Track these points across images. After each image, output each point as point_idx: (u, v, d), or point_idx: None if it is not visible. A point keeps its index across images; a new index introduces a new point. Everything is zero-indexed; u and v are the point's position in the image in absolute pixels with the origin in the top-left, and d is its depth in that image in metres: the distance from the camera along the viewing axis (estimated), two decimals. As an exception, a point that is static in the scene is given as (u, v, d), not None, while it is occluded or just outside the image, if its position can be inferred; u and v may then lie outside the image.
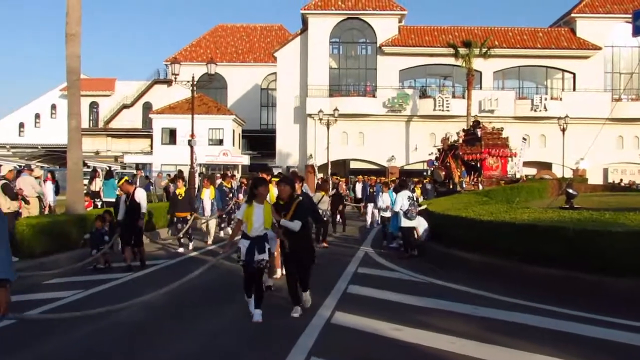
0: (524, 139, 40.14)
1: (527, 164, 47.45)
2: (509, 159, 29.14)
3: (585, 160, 46.39)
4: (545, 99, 48.23)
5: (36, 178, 16.14)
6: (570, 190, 20.69)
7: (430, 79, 51.01)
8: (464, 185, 23.83)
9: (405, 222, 14.30)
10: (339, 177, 29.86)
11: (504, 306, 8.43)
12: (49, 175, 20.45)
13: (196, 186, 22.86)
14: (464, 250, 12.29)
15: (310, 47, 48.55)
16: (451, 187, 25.44)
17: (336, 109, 44.01)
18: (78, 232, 13.24)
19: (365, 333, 7.10)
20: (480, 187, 25.36)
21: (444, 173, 27.00)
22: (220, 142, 51.38)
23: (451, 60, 45.83)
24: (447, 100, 47.45)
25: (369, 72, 49.33)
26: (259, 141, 58.07)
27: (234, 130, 53.25)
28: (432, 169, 30.15)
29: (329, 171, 40.04)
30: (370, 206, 23.89)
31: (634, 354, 6.20)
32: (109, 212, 13.36)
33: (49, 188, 18.42)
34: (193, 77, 26.51)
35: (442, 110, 47.07)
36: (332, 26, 48.64)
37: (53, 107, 69.32)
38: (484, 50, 44.69)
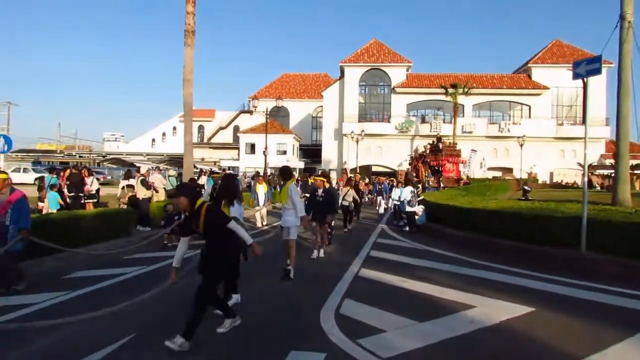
0: (474, 150, 39.81)
1: (494, 168, 46.59)
2: (461, 164, 29.44)
3: (537, 167, 45.41)
4: (509, 124, 47.30)
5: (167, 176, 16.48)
6: (526, 187, 20.18)
7: (428, 110, 50.25)
8: (430, 183, 23.32)
9: (408, 208, 14.24)
10: (358, 175, 28.73)
11: (477, 267, 8.30)
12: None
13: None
14: (450, 228, 12.13)
15: (345, 88, 48.47)
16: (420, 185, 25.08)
17: (363, 131, 43.83)
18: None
19: (381, 283, 7.09)
20: (442, 185, 25.03)
21: (415, 174, 26.74)
22: (284, 152, 51.60)
23: (443, 97, 45.32)
24: (439, 125, 46.75)
25: (385, 105, 48.97)
26: (311, 152, 58.05)
27: (293, 145, 53.41)
28: (407, 171, 29.62)
29: (348, 171, 39.75)
30: (379, 198, 23.23)
31: (566, 301, 6.04)
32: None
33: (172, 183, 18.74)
34: (267, 109, 26.81)
35: (436, 132, 46.31)
36: (360, 74, 48.41)
37: (174, 128, 70.62)
38: (465, 90, 44.09)
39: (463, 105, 47.11)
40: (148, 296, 4.92)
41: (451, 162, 27.37)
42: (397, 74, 48.41)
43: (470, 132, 46.47)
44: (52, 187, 12.22)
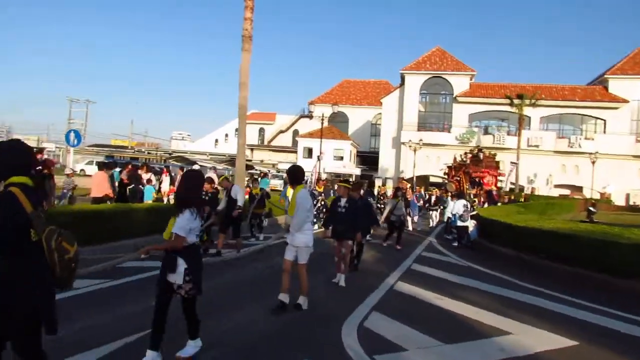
0: (514, 163, 37.49)
1: (562, 186, 44.02)
2: (499, 177, 27.66)
3: (611, 186, 42.27)
4: (580, 139, 44.54)
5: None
6: (591, 208, 18.86)
7: (491, 121, 48.45)
8: (471, 196, 21.53)
9: (459, 223, 13.66)
10: (406, 183, 26.72)
11: (523, 290, 7.76)
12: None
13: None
14: (501, 246, 11.52)
15: (405, 96, 47.81)
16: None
17: (421, 140, 42.90)
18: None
19: (415, 298, 6.81)
20: (482, 199, 23.45)
21: (455, 185, 25.19)
22: (341, 158, 51.64)
23: (507, 108, 43.41)
24: (503, 137, 44.99)
25: (446, 115, 47.81)
26: (368, 159, 57.65)
27: (350, 151, 53.32)
28: (446, 181, 27.98)
29: (405, 180, 38.90)
30: (432, 211, 21.57)
31: (618, 337, 5.49)
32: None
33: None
34: (322, 114, 26.90)
35: (499, 144, 44.61)
36: (421, 82, 47.60)
37: (236, 130, 72.39)
38: (532, 101, 41.96)
39: (529, 117, 44.94)
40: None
41: (491, 174, 25.92)
42: (459, 83, 47.11)
43: (537, 146, 44.27)
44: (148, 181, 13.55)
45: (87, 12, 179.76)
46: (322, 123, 27.68)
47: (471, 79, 48.06)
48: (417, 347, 4.68)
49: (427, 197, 23.00)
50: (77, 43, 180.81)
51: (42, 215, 2.58)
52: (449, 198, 17.56)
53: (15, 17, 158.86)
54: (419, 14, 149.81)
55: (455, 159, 28.08)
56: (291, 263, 5.78)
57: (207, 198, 9.39)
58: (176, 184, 14.22)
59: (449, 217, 16.09)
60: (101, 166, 12.76)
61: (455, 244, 13.82)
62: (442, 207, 21.26)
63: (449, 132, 46.69)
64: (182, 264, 3.72)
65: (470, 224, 13.86)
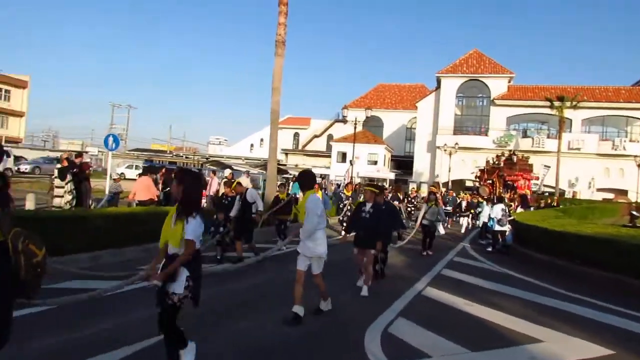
0: (547, 166, 35.90)
1: (605, 190, 42.21)
2: (532, 181, 26.45)
3: (661, 189, 40.34)
4: (625, 141, 42.57)
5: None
6: (634, 212, 17.97)
7: (530, 124, 46.96)
8: (506, 200, 20.14)
9: (498, 227, 13.31)
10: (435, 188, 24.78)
11: (558, 297, 7.48)
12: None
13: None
14: (537, 252, 11.15)
15: (441, 100, 47.09)
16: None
17: (456, 143, 42.24)
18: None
19: (444, 304, 6.66)
20: (516, 203, 22.40)
21: (488, 189, 24.23)
22: (375, 162, 51.28)
23: (547, 110, 42.02)
24: (542, 140, 43.55)
25: (483, 118, 46.71)
26: (403, 163, 56.94)
27: (385, 155, 52.88)
28: (478, 185, 26.56)
29: (440, 185, 38.16)
30: (462, 217, 20.79)
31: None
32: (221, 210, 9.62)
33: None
34: (355, 119, 26.84)
35: (538, 147, 43.27)
36: (458, 85, 46.76)
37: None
38: (574, 103, 40.48)
39: (570, 120, 43.34)
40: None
41: (525, 177, 24.94)
42: (497, 86, 45.99)
43: (579, 149, 42.62)
44: None
45: (133, 20, 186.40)
46: (355, 127, 27.62)
47: (509, 82, 46.83)
48: (441, 354, 4.57)
49: (458, 202, 22.06)
50: (119, 49, 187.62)
51: (8, 215, 2.51)
52: (484, 202, 17.12)
53: (61, 21, 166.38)
54: (456, 17, 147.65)
55: (487, 162, 27.21)
56: (304, 273, 5.40)
57: (226, 202, 9.08)
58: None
59: (484, 222, 15.70)
60: (146, 171, 13.11)
61: (490, 249, 13.46)
62: (474, 213, 20.70)
63: (486, 135, 45.61)
64: (184, 272, 3.38)
65: (506, 229, 13.50)
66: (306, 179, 5.55)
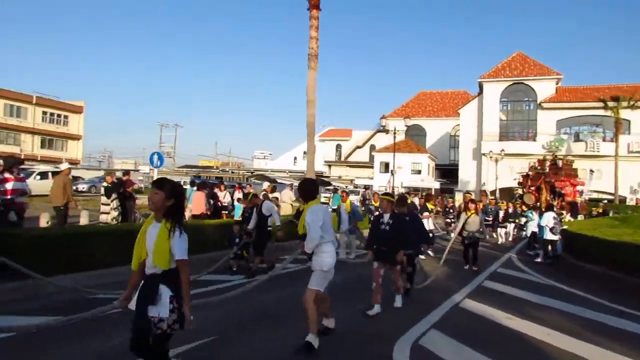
0: (592, 171, 33.65)
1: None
2: (578, 187, 24.44)
3: None
4: (691, 142, 39.83)
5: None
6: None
7: (582, 127, 44.83)
8: (555, 208, 18.34)
9: (549, 236, 12.72)
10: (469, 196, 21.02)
11: (610, 312, 7.02)
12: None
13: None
14: (588, 263, 10.54)
15: (484, 105, 45.97)
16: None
17: (502, 150, 41.01)
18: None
19: (481, 317, 6.44)
20: (565, 211, 20.61)
21: (534, 197, 22.86)
22: (419, 172, 50.62)
23: (601, 112, 40.08)
24: (597, 144, 41.48)
25: (530, 122, 45.14)
26: (447, 172, 55.94)
27: (428, 164, 52.13)
28: (522, 192, 24.62)
29: (488, 193, 36.91)
30: (500, 228, 18.73)
31: None
32: (240, 222, 9.79)
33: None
34: (395, 128, 26.67)
35: (593, 151, 41.24)
36: (501, 89, 45.53)
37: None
38: (631, 102, 38.32)
39: (629, 121, 41.04)
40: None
41: (572, 183, 23.40)
42: (544, 88, 44.39)
43: (639, 152, 40.26)
44: (238, 200, 14.15)
45: (180, 42, 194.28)
46: (395, 137, 27.45)
47: (557, 83, 45.13)
48: (473, 368, 4.42)
49: (495, 210, 19.45)
50: (166, 71, 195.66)
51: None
52: (530, 211, 16.48)
53: (107, 44, 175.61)
54: (498, 20, 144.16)
55: (531, 167, 25.93)
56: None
57: (246, 215, 8.96)
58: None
59: (533, 231, 15.07)
60: (200, 186, 13.74)
61: (539, 259, 12.92)
62: (517, 222, 19.76)
63: (534, 140, 43.98)
64: (166, 292, 2.99)
65: (557, 238, 12.90)
66: (306, 189, 5.00)
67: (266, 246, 8.90)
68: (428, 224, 12.56)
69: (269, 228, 8.89)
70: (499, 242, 17.84)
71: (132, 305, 3.09)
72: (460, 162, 49.49)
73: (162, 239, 3.01)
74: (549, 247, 12.68)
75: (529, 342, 5.40)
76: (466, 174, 48.09)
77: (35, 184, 25.05)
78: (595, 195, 40.91)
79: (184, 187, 12.66)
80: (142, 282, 3.11)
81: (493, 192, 38.91)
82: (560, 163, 23.96)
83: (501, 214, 19.03)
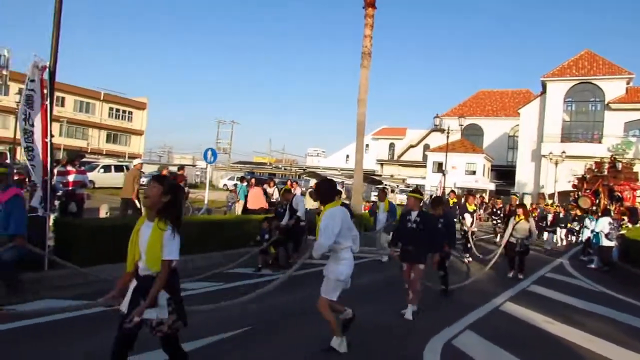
0: None
1: None
2: (638, 191, 22.36)
3: None
4: None
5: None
6: None
7: (655, 129, 41.88)
8: (612, 213, 15.99)
9: (605, 242, 12.15)
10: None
11: (661, 321, 6.72)
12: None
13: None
14: (645, 271, 10.05)
15: (547, 105, 43.96)
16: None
17: (563, 152, 39.15)
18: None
19: (520, 320, 6.38)
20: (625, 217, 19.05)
21: (590, 201, 21.31)
22: (474, 172, 49.28)
23: (676, 113, 37.36)
24: (669, 147, 38.72)
25: (596, 124, 42.73)
26: (504, 173, 54.01)
27: (484, 165, 50.61)
28: (576, 196, 22.92)
29: (547, 196, 35.24)
30: (548, 232, 17.48)
31: None
32: (270, 218, 9.26)
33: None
34: (448, 127, 26.12)
35: (664, 155, 38.58)
36: (566, 89, 43.33)
37: (367, 145, 73.72)
38: None
39: None
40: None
41: (632, 187, 21.61)
42: (613, 88, 41.85)
43: None
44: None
45: (230, 42, 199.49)
46: (448, 136, 26.96)
47: (628, 83, 42.39)
48: (502, 369, 4.42)
49: (544, 214, 18.28)
50: (225, 68, 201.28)
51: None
52: (587, 215, 15.72)
53: (168, 45, 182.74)
54: (566, 16, 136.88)
55: (588, 169, 24.39)
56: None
57: (281, 210, 8.98)
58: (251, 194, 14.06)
59: (588, 237, 14.41)
60: (258, 182, 14.32)
61: (593, 265, 12.39)
62: (570, 227, 18.86)
63: (600, 142, 41.60)
64: (163, 294, 2.92)
65: (613, 244, 12.30)
66: (324, 190, 4.58)
67: (300, 241, 9.02)
68: (469, 225, 12.04)
69: (301, 223, 8.99)
70: (547, 248, 16.46)
71: (124, 306, 2.97)
72: (518, 163, 47.69)
73: (154, 241, 2.91)
74: (607, 254, 12.11)
75: (567, 347, 5.31)
76: (524, 175, 46.32)
77: (98, 177, 26.83)
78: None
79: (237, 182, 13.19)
80: (136, 283, 3.01)
81: (552, 196, 37.31)
82: (619, 166, 22.51)
83: (550, 217, 17.93)
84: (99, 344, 3.95)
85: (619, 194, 21.19)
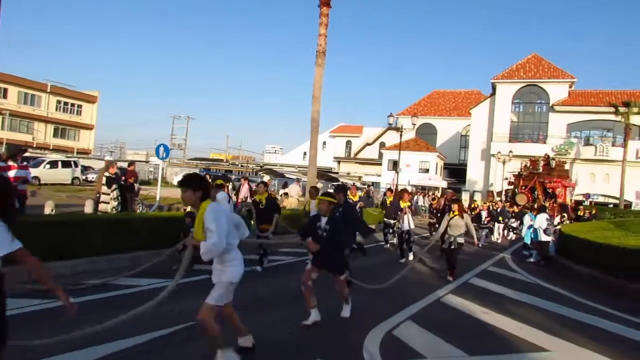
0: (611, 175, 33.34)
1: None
2: (568, 189, 23.91)
3: None
4: (701, 149, 39.44)
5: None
6: None
7: (593, 131, 44.48)
8: (547, 209, 16.24)
9: (544, 237, 12.85)
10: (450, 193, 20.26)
11: (586, 309, 7.28)
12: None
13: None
14: (578, 264, 10.74)
15: (496, 106, 45.81)
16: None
17: (511, 151, 40.90)
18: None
19: (459, 311, 6.71)
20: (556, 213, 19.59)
21: (526, 197, 22.16)
22: (427, 170, 50.62)
23: (612, 117, 39.79)
24: (606, 148, 41.25)
25: (542, 125, 44.93)
26: (456, 171, 55.83)
27: (437, 163, 52.08)
28: (512, 192, 24.22)
29: (495, 194, 36.50)
30: (482, 229, 17.17)
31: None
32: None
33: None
34: (402, 126, 26.81)
35: (602, 156, 41.04)
36: (514, 91, 45.33)
37: (324, 143, 74.11)
38: (642, 108, 38.02)
39: (639, 127, 40.75)
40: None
41: (564, 185, 22.98)
42: (557, 91, 44.14)
43: (649, 157, 39.97)
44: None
45: (187, 34, 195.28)
46: (401, 135, 27.63)
47: (570, 87, 44.83)
48: (437, 356, 4.70)
49: (478, 212, 18.28)
50: (180, 62, 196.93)
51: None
52: (529, 213, 16.50)
53: (124, 36, 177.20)
54: (515, 21, 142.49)
55: (524, 166, 25.59)
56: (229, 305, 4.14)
57: (261, 207, 8.76)
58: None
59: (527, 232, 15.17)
60: (225, 180, 14.13)
61: (532, 259, 13.11)
62: (506, 223, 19.48)
63: (544, 142, 43.77)
64: None
65: (549, 239, 13.05)
66: (194, 183, 3.84)
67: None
68: (407, 223, 11.26)
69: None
70: (478, 245, 15.79)
71: None
72: (469, 162, 49.49)
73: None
74: (545, 248, 12.83)
75: (498, 334, 5.66)
76: (474, 174, 48.11)
77: (44, 173, 25.74)
78: (602, 200, 40.81)
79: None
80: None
81: (500, 193, 38.89)
82: (553, 163, 23.76)
83: (484, 214, 17.67)
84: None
85: (552, 191, 22.33)
